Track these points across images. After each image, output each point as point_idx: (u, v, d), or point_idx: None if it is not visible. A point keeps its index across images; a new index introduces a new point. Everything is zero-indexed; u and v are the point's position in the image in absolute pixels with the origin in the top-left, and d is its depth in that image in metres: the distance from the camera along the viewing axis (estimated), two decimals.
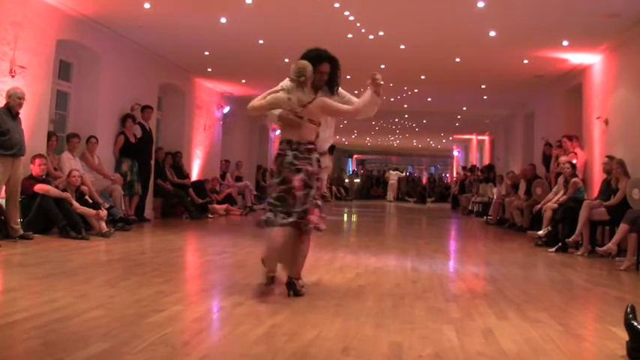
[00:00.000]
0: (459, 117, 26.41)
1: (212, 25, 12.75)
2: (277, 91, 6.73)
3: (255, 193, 22.79)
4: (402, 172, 43.14)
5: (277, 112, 6.65)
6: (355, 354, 4.42)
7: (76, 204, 10.91)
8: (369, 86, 6.87)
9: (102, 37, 13.33)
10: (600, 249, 10.77)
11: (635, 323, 4.52)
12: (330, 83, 7.07)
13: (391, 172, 42.40)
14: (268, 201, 6.54)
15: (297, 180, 6.36)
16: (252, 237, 13.20)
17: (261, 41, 13.94)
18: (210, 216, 17.46)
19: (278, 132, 7.07)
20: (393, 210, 29.73)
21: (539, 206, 14.07)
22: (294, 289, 6.41)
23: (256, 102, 6.70)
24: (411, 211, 29.50)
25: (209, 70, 17.82)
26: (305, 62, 6.70)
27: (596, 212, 11.41)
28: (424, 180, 49.06)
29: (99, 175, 13.11)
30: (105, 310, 5.40)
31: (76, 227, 10.51)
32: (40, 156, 10.89)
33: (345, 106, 6.95)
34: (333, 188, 37.49)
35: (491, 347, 4.74)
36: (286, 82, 6.82)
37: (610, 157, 11.89)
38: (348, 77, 17.15)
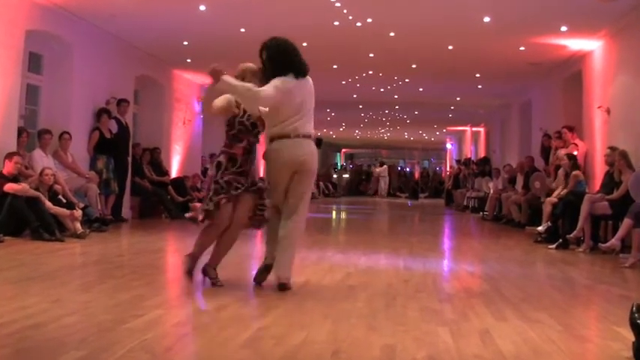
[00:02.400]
0: (452, 108, 26.45)
1: (191, 14, 12.73)
2: None
3: None
4: (382, 166, 43.09)
5: None
6: (346, 357, 4.44)
7: (49, 204, 10.87)
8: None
9: (74, 27, 13.28)
10: (603, 245, 10.80)
11: None
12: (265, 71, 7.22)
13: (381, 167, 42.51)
14: None
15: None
16: None
17: (242, 30, 13.91)
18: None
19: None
20: (383, 206, 29.75)
21: (545, 200, 13.95)
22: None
23: None
24: (402, 207, 29.56)
25: (188, 61, 17.76)
26: (242, 65, 7.45)
27: (599, 206, 11.44)
28: (417, 174, 49.17)
29: (73, 173, 13.06)
30: (81, 315, 5.40)
31: (49, 228, 10.46)
32: (17, 154, 10.89)
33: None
34: (321, 184, 37.51)
35: (489, 349, 4.76)
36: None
37: (612, 149, 11.91)
38: (335, 67, 17.34)
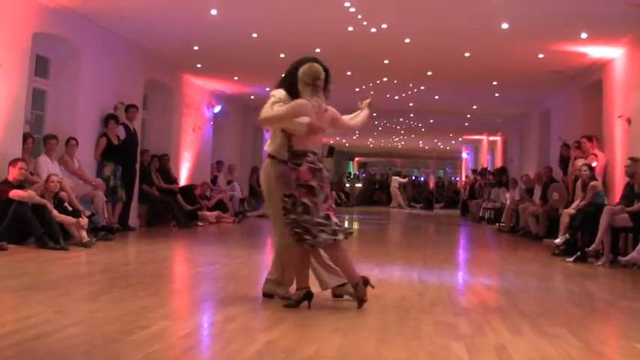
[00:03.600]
0: (468, 116, 26.41)
1: (202, 18, 12.72)
2: (279, 102, 6.80)
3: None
4: (404, 178, 43.02)
5: (305, 119, 6.60)
6: None
7: (54, 211, 10.87)
8: (364, 107, 7.32)
9: (82, 29, 13.30)
10: (623, 258, 10.77)
11: None
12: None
13: (393, 177, 42.45)
14: (317, 221, 6.54)
15: (332, 194, 6.58)
16: (245, 246, 13.22)
17: (254, 35, 13.92)
18: (199, 224, 17.41)
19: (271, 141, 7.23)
20: (397, 217, 29.72)
21: (563, 211, 13.85)
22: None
23: (273, 112, 6.73)
24: (417, 218, 29.52)
25: (198, 66, 17.79)
26: (320, 66, 6.85)
27: (619, 218, 11.38)
28: (431, 184, 49.08)
29: (79, 180, 13.06)
30: (86, 326, 5.39)
31: (54, 236, 10.46)
32: (21, 160, 10.88)
33: (351, 122, 7.29)
34: (333, 193, 37.49)
35: None
36: (280, 92, 6.91)
37: (633, 159, 11.86)
38: (349, 73, 17.32)
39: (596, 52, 14.23)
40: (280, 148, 6.86)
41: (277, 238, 6.99)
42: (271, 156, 6.94)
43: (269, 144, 7.03)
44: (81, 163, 13.32)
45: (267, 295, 6.96)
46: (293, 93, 6.82)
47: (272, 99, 6.84)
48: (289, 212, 6.57)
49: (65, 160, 12.91)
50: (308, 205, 6.51)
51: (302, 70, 6.78)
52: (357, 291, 6.72)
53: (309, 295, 6.62)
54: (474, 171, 32.95)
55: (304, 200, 6.53)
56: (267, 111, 6.74)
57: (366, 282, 6.77)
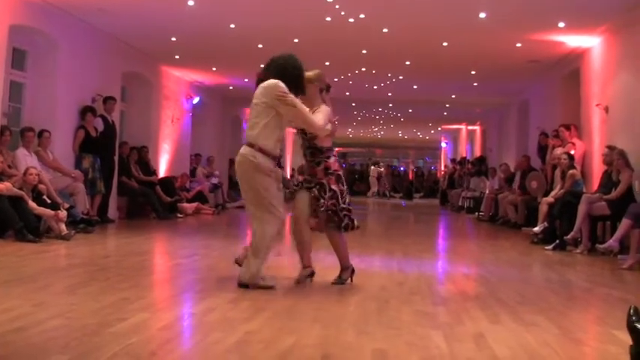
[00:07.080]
0: (447, 106, 26.43)
1: (179, 9, 12.68)
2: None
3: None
4: (381, 168, 43.20)
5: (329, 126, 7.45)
6: None
7: (32, 204, 10.80)
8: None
9: (59, 21, 13.22)
10: (601, 246, 10.82)
11: (639, 326, 4.52)
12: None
13: (372, 167, 42.63)
14: (343, 207, 7.59)
15: None
16: (224, 237, 13.21)
17: (232, 25, 13.89)
18: (179, 216, 17.38)
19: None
20: (377, 207, 29.76)
21: (542, 200, 13.93)
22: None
23: (322, 122, 7.29)
24: (396, 207, 29.56)
25: (177, 57, 17.73)
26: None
27: (597, 207, 11.44)
28: (411, 174, 49.17)
29: (56, 172, 12.97)
30: (64, 319, 5.36)
31: (33, 229, 10.41)
32: None
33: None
34: None
35: (483, 353, 4.75)
36: (284, 87, 7.10)
37: (610, 148, 11.92)
38: (327, 64, 17.29)
39: (574, 41, 14.28)
40: (274, 142, 7.10)
41: (257, 226, 7.14)
42: (258, 147, 6.98)
43: (257, 135, 7.02)
44: (59, 155, 13.23)
45: (244, 285, 7.01)
46: (292, 88, 7.14)
47: (291, 97, 7.07)
48: (318, 199, 7.40)
49: (40, 153, 12.77)
50: (336, 192, 7.46)
51: (315, 74, 7.56)
52: (343, 273, 7.68)
53: (313, 274, 7.70)
54: (453, 160, 33.01)
55: (334, 187, 7.47)
56: (315, 119, 7.22)
57: (353, 271, 7.74)
